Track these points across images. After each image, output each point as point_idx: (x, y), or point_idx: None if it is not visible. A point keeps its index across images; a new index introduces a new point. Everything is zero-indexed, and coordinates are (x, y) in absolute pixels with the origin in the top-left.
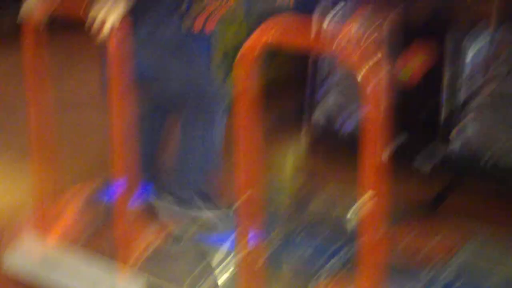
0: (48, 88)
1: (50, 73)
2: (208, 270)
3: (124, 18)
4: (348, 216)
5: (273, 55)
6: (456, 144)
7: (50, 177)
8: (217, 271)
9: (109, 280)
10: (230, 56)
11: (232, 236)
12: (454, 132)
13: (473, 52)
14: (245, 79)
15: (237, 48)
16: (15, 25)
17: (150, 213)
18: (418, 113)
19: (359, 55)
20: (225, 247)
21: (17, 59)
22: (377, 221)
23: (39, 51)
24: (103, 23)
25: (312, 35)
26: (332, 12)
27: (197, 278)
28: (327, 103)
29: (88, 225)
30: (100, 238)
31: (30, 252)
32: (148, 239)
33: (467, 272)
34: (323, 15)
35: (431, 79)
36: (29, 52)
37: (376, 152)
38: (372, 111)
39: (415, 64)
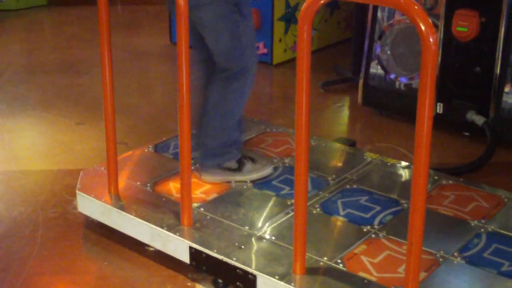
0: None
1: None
2: (267, 215)
3: None
4: (401, 167)
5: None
6: (509, 99)
7: (119, 125)
8: (276, 215)
9: (166, 235)
10: (292, 7)
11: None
12: (508, 88)
13: None
14: (308, 32)
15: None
16: None
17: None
18: (473, 67)
19: (420, 7)
20: (284, 193)
21: (80, 24)
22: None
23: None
24: None
25: None
26: None
27: (256, 221)
28: (384, 56)
29: (153, 175)
30: (164, 188)
31: (100, 197)
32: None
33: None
34: None
35: (487, 34)
36: (103, 5)
37: (432, 104)
38: (430, 63)
39: (472, 17)
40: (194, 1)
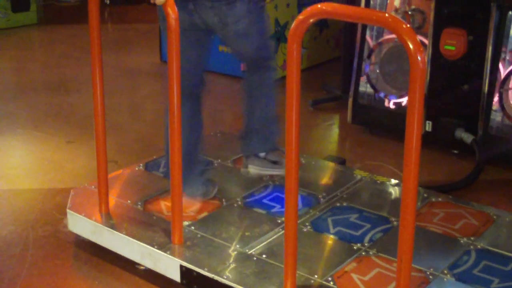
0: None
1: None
2: (258, 233)
3: None
4: (391, 184)
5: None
6: (497, 117)
7: (109, 144)
8: (267, 234)
9: (157, 253)
10: (282, 26)
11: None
12: (495, 106)
13: None
14: (297, 51)
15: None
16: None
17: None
18: (461, 85)
19: (408, 26)
20: (274, 211)
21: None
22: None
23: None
24: None
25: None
26: None
27: (246, 239)
28: (373, 75)
29: (144, 193)
30: (154, 206)
31: (90, 216)
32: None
33: (502, 242)
34: None
35: (475, 52)
36: (94, 24)
37: (420, 122)
38: (418, 82)
39: (459, 36)
40: (232, 17)
